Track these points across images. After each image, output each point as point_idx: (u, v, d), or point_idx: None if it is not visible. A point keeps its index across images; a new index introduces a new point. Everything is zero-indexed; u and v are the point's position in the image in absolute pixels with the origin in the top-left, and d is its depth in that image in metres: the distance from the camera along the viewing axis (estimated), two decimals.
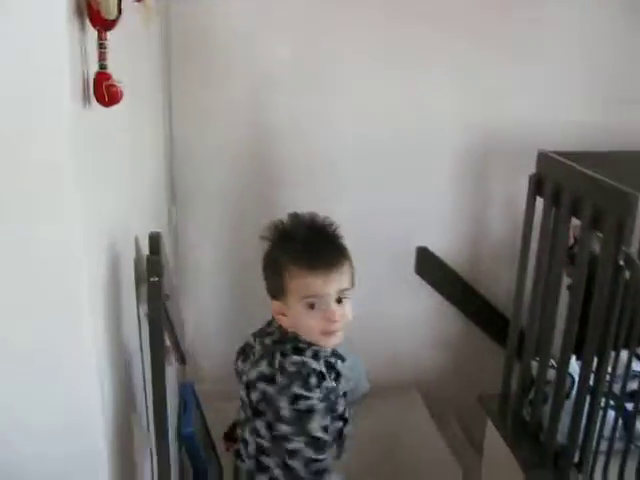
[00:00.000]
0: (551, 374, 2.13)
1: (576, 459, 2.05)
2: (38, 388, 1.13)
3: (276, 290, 1.57)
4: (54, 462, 1.18)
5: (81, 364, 1.14)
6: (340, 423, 1.65)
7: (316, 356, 1.56)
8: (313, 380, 1.51)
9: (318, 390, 1.52)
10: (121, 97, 1.14)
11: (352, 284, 1.56)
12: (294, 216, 1.60)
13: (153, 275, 1.63)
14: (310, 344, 1.56)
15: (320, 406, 1.52)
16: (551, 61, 2.75)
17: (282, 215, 2.84)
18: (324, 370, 1.54)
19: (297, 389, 1.51)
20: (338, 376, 1.60)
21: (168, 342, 2.10)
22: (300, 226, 1.57)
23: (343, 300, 1.52)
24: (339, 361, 1.61)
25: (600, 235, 1.83)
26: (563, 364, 2.03)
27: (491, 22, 2.69)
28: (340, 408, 1.63)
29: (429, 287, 3.07)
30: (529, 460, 2.17)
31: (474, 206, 2.95)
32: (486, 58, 2.72)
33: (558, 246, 2.01)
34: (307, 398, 1.51)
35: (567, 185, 1.93)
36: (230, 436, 2.91)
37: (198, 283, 3.02)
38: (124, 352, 1.55)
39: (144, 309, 1.68)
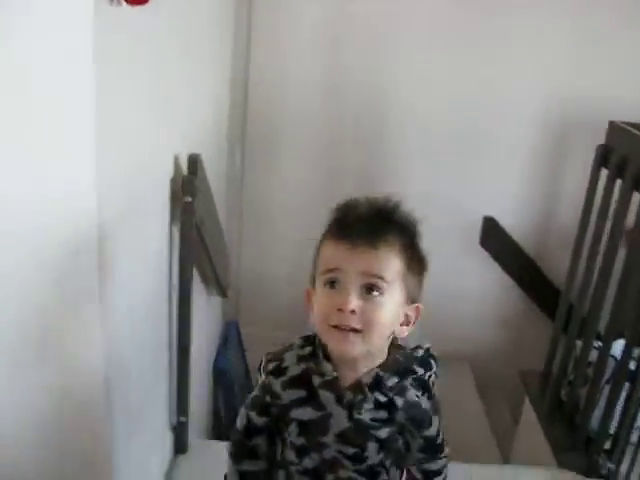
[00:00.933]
0: (595, 355, 2.03)
1: (608, 446, 1.95)
2: None
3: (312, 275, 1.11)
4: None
5: None
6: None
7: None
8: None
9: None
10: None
11: (396, 282, 1.03)
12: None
13: (187, 195, 1.65)
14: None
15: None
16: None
17: (349, 167, 2.89)
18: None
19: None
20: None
21: (207, 271, 2.13)
22: (356, 200, 1.10)
23: (374, 294, 1.01)
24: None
25: None
26: (606, 346, 1.92)
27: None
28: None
29: (491, 259, 2.99)
30: (561, 443, 2.09)
31: (546, 180, 2.83)
32: (560, 36, 2.62)
33: (617, 219, 1.89)
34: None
35: (633, 156, 1.81)
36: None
37: (261, 229, 3.04)
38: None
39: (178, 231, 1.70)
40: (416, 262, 1.09)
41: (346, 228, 1.04)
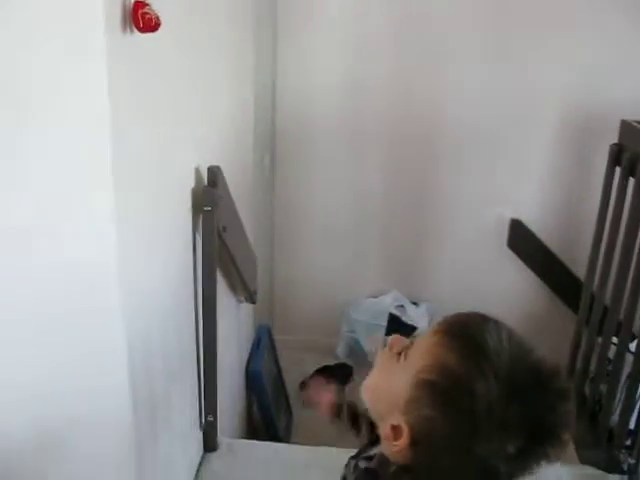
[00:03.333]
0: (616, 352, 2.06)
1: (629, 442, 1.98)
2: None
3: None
4: None
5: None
6: None
7: None
8: None
9: None
10: (156, 25, 1.23)
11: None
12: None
13: (207, 205, 1.75)
14: None
15: None
16: None
17: (374, 174, 2.96)
18: None
19: None
20: None
21: (234, 276, 2.22)
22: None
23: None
24: None
25: None
26: (623, 341, 1.95)
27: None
28: None
29: (520, 261, 3.02)
30: (584, 439, 2.12)
31: (571, 181, 2.86)
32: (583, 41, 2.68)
33: (631, 216, 1.92)
34: None
35: None
36: (305, 386, 3.05)
37: (292, 236, 3.13)
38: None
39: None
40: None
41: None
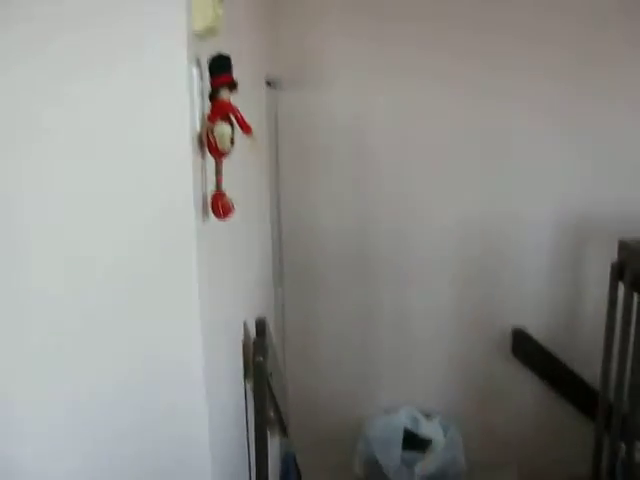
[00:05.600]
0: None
1: None
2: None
3: None
4: None
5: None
6: None
7: None
8: None
9: None
10: (233, 210, 1.38)
11: None
12: None
13: (259, 356, 1.86)
14: None
15: None
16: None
17: (384, 299, 3.11)
18: None
19: None
20: None
21: (272, 415, 2.31)
22: None
23: None
24: None
25: None
26: None
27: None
28: None
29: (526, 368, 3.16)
30: None
31: (569, 287, 3.04)
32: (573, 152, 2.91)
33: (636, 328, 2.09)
34: None
35: None
36: None
37: (302, 361, 3.23)
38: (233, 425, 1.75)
39: (251, 386, 1.90)
40: None
41: None
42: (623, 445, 2.25)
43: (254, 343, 1.85)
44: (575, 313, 3.08)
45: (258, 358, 1.86)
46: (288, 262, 3.07)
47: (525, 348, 3.09)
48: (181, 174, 1.24)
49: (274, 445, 2.66)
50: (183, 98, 1.20)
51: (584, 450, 2.63)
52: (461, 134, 2.94)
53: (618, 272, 2.19)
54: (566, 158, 2.92)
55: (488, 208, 3.02)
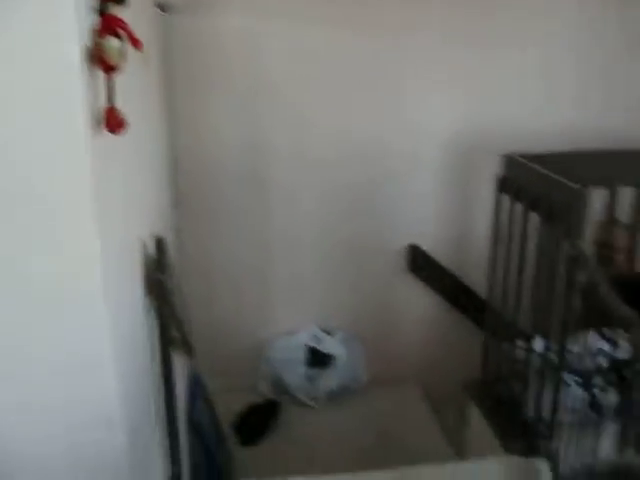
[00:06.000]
0: (521, 354, 2.37)
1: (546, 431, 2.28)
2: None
3: None
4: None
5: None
6: None
7: None
8: None
9: None
10: (125, 125, 1.38)
11: None
12: None
13: (159, 272, 1.89)
14: None
15: None
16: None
17: (279, 223, 3.16)
18: None
19: None
20: None
21: (176, 334, 2.35)
22: None
23: None
24: None
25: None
26: (528, 344, 2.26)
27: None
28: None
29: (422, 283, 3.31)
30: (504, 431, 2.41)
31: (459, 203, 3.19)
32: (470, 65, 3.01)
33: (520, 238, 2.24)
34: None
35: (526, 185, 2.17)
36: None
37: (201, 283, 3.25)
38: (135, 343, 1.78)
39: (153, 304, 1.93)
40: None
41: None
42: (507, 346, 2.43)
43: (154, 261, 1.87)
44: (466, 227, 3.24)
45: (159, 275, 1.89)
46: (186, 184, 3.06)
47: (420, 263, 3.24)
48: (71, 88, 1.22)
49: (180, 366, 2.70)
50: (70, 12, 1.18)
51: (478, 359, 2.80)
52: (356, 57, 2.97)
53: (502, 185, 2.32)
54: (454, 77, 3.01)
55: (378, 129, 3.08)
